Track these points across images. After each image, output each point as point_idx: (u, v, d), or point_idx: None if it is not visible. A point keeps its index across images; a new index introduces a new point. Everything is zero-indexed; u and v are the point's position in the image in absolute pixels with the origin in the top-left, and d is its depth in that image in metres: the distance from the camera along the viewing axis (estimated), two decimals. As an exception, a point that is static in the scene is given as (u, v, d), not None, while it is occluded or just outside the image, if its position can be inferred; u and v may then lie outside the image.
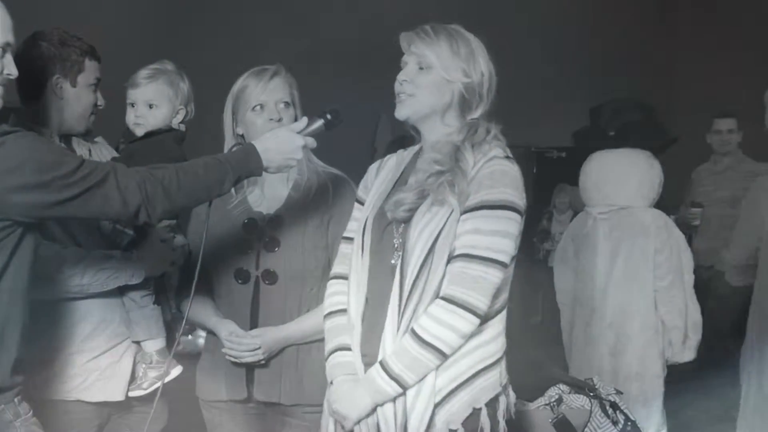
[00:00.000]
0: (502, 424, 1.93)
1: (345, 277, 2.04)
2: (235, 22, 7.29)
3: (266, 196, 2.39)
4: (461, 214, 1.86)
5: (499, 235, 1.84)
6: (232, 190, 2.34)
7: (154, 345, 2.37)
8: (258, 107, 2.31)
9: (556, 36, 9.15)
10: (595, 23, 9.47)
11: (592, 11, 9.47)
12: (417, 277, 1.86)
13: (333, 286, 2.09)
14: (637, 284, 3.10)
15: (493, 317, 1.91)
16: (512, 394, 1.99)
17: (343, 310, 2.02)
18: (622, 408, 2.23)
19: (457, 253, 1.85)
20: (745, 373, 3.18)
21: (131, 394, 2.36)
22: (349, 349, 1.97)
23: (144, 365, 2.37)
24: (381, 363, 1.86)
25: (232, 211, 2.37)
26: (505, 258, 1.85)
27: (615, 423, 2.18)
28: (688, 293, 3.13)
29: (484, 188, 1.86)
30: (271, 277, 2.31)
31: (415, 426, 1.84)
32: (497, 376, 1.92)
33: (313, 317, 2.26)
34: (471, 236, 1.84)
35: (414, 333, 1.83)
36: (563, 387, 2.27)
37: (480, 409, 1.89)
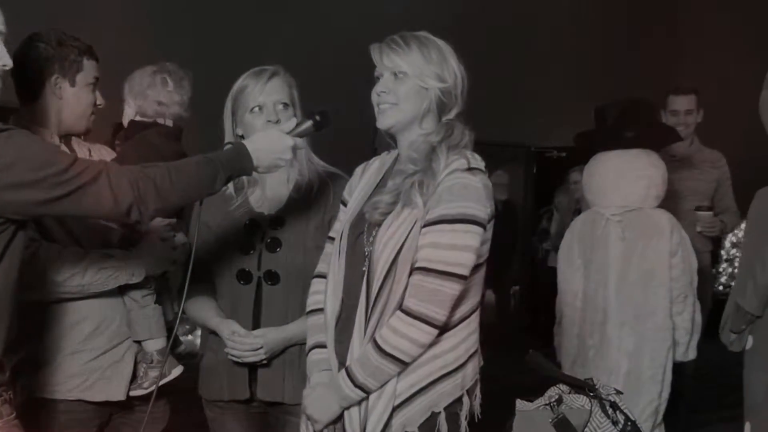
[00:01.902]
0: (463, 425, 2.00)
1: (326, 276, 2.10)
2: (238, 21, 7.29)
3: (267, 196, 2.40)
4: (423, 227, 1.92)
5: (456, 249, 1.89)
6: (232, 191, 2.36)
7: (155, 345, 2.37)
8: (256, 108, 2.32)
9: (557, 36, 9.16)
10: (596, 23, 9.47)
11: (592, 11, 9.48)
12: (381, 286, 1.93)
13: (315, 284, 2.16)
14: (653, 286, 3.09)
15: (455, 326, 1.97)
16: (478, 396, 2.04)
17: (322, 309, 2.08)
18: (622, 408, 2.22)
19: (416, 266, 1.91)
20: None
21: (132, 393, 2.36)
22: (325, 346, 2.05)
23: (145, 365, 2.37)
24: (347, 371, 1.94)
25: (234, 212, 2.38)
26: (462, 271, 1.90)
27: (615, 423, 2.17)
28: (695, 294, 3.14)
29: (444, 202, 1.91)
30: (273, 277, 2.32)
31: (372, 426, 1.93)
32: (459, 381, 1.98)
33: None
34: (429, 250, 1.90)
35: (375, 343, 1.91)
36: (563, 387, 2.26)
37: (439, 413, 1.96)
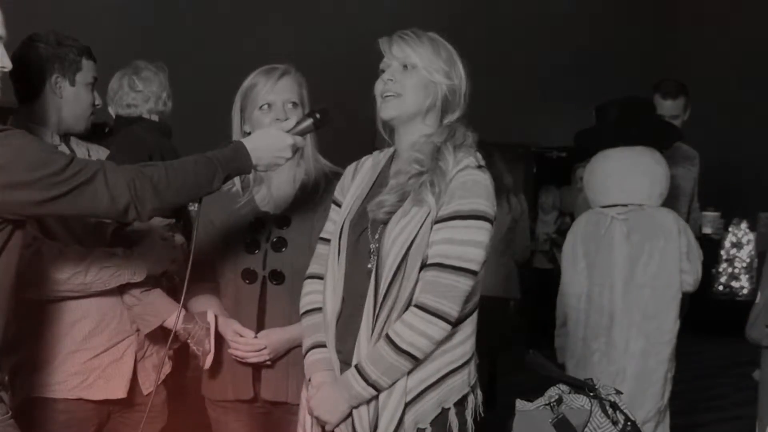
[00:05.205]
0: (469, 422, 2.01)
1: (320, 277, 2.09)
2: (242, 21, 7.30)
3: (273, 195, 2.39)
4: (434, 224, 1.92)
5: (470, 245, 1.90)
6: (239, 188, 2.36)
7: (173, 321, 2.30)
8: (265, 106, 2.31)
9: (556, 36, 9.16)
10: (596, 23, 9.48)
11: (593, 11, 9.48)
12: (391, 282, 1.92)
13: (308, 285, 2.14)
14: (662, 287, 3.05)
15: (462, 321, 1.97)
16: (480, 394, 2.05)
17: (318, 309, 2.07)
18: (622, 408, 2.21)
19: (430, 261, 1.91)
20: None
21: (207, 366, 2.32)
22: (324, 346, 2.04)
23: (191, 341, 2.32)
24: (358, 369, 1.92)
25: (240, 211, 2.37)
26: (475, 267, 1.91)
27: (615, 423, 2.16)
28: None
29: (457, 198, 1.92)
30: (278, 277, 2.31)
31: (385, 424, 1.92)
32: (466, 377, 1.99)
33: None
34: (444, 246, 1.90)
35: (389, 339, 1.89)
36: (563, 387, 2.25)
37: (449, 408, 1.96)
